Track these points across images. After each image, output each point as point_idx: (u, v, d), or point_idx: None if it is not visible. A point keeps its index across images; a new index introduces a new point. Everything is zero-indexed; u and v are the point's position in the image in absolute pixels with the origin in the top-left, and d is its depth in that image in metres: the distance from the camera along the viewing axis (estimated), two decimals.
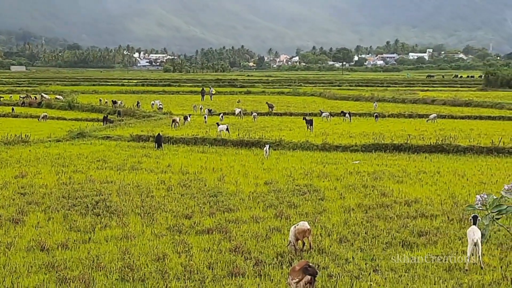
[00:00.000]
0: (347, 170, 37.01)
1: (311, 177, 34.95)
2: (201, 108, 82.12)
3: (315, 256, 20.77)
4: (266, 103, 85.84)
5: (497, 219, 4.00)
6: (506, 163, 39.37)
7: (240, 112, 76.24)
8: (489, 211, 4.00)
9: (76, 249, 21.73)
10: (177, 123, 63.89)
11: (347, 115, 70.21)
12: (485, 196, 4.03)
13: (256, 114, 72.26)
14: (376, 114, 73.03)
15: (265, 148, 43.21)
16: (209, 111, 79.97)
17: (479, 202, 4.16)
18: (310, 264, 16.67)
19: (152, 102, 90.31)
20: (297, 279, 16.29)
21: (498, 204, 3.81)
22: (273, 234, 23.23)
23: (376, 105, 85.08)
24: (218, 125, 57.76)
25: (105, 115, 50.35)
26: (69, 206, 27.92)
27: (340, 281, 18.41)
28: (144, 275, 18.98)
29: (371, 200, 28.85)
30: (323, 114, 73.00)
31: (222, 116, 68.78)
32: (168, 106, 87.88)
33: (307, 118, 63.46)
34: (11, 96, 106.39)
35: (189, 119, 66.05)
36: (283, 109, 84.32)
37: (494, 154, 42.67)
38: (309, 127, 59.95)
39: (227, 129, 54.38)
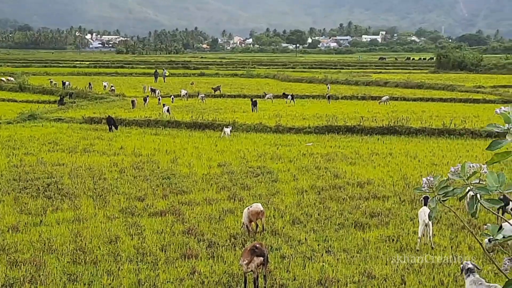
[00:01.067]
0: (300, 152, 37.15)
1: (265, 159, 35.04)
2: (154, 90, 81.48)
3: (268, 237, 20.90)
4: (212, 88, 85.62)
5: (444, 200, 4.03)
6: (457, 145, 39.84)
7: (186, 93, 76.08)
8: (436, 193, 4.03)
9: (27, 232, 21.57)
10: (135, 104, 64.01)
11: (289, 97, 70.41)
12: (431, 178, 4.04)
13: (203, 95, 72.15)
14: (328, 95, 73.18)
15: (225, 130, 43.54)
16: (153, 91, 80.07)
17: (426, 185, 4.17)
18: (258, 245, 16.74)
19: (104, 83, 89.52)
20: (246, 261, 16.37)
21: (444, 186, 3.83)
22: (226, 216, 23.30)
23: (329, 87, 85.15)
24: (164, 106, 57.89)
25: (62, 95, 49.42)
26: (20, 188, 27.70)
27: (293, 262, 18.57)
28: (96, 257, 18.92)
29: (324, 181, 29.00)
30: (267, 95, 73.40)
31: (173, 98, 68.37)
32: (121, 88, 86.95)
33: (253, 100, 64.51)
34: None
35: (148, 100, 65.47)
36: (236, 91, 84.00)
37: (445, 135, 43.12)
38: (254, 108, 61.02)
39: (167, 111, 54.80)
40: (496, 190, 3.32)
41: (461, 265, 15.37)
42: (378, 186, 28.01)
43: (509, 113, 3.32)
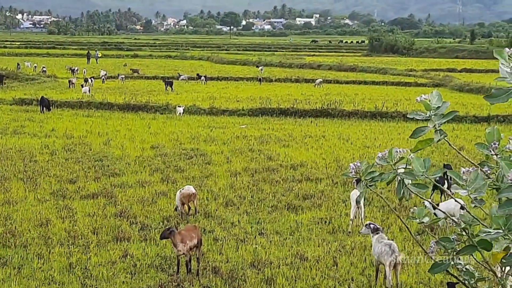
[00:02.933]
0: (234, 134, 37.28)
1: (198, 141, 35.06)
2: (84, 72, 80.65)
3: (201, 220, 20.97)
4: (130, 69, 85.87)
5: (371, 185, 4.08)
6: (389, 127, 40.42)
7: (105, 74, 75.36)
8: (363, 178, 4.08)
9: None
10: (73, 85, 63.79)
11: (202, 77, 71.60)
12: (358, 164, 4.09)
13: (123, 77, 72.45)
14: (260, 78, 73.88)
15: (178, 108, 44.49)
16: (72, 70, 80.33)
17: (353, 170, 4.21)
18: (171, 227, 16.82)
19: (27, 63, 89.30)
20: (180, 244, 16.40)
21: (370, 171, 3.87)
22: (159, 199, 23.33)
23: (262, 69, 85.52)
24: (83, 86, 58.31)
25: (43, 98, 48.13)
26: None
27: (226, 244, 18.67)
28: (27, 240, 18.77)
29: (257, 164, 29.18)
30: (181, 76, 74.13)
31: (91, 80, 67.77)
32: (53, 69, 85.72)
33: (167, 80, 66.70)
34: None
35: (90, 81, 65.11)
36: (170, 73, 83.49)
37: (377, 118, 43.73)
38: (168, 87, 63.20)
39: (89, 91, 55.85)
40: (422, 175, 3.38)
41: (367, 225, 16.71)
42: (311, 168, 28.26)
43: (429, 100, 3.38)
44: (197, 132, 38.15)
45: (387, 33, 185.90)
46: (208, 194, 24.05)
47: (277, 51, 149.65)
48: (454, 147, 3.51)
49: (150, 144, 33.95)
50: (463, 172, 3.17)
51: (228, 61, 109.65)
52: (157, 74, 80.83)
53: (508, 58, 3.00)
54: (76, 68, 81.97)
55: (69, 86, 62.70)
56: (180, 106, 44.27)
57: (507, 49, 3.09)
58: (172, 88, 63.37)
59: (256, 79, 74.71)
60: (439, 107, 3.32)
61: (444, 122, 3.34)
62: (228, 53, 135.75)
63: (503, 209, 2.90)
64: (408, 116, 3.66)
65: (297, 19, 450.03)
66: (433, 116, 3.32)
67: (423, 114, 3.36)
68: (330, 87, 66.02)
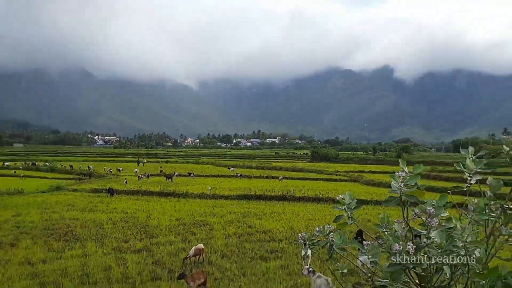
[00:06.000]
0: (227, 211, 37.02)
1: (205, 215, 34.80)
2: (135, 171, 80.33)
3: (206, 266, 20.74)
4: (160, 171, 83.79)
5: (312, 248, 4.06)
6: (324, 207, 40.30)
7: (136, 171, 77.91)
8: (307, 243, 4.07)
9: (51, 263, 21.06)
10: (140, 177, 65.66)
11: (192, 174, 72.10)
12: (304, 234, 4.10)
13: (148, 174, 71.24)
14: (240, 174, 75.13)
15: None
16: (118, 170, 79.46)
17: (301, 238, 4.22)
18: (184, 272, 17.09)
19: (90, 167, 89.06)
20: (191, 283, 16.41)
21: (311, 239, 3.89)
22: (180, 252, 23.00)
23: (233, 169, 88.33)
24: (139, 178, 61.52)
25: (110, 188, 46.54)
26: (48, 234, 27.18)
27: (222, 282, 18.47)
28: (96, 280, 18.54)
29: (242, 230, 28.95)
30: (176, 174, 72.84)
31: (148, 175, 67.67)
32: (115, 170, 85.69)
33: (166, 174, 70.52)
34: (15, 163, 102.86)
35: (148, 176, 67.02)
36: (185, 172, 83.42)
37: (317, 201, 43.69)
38: (168, 180, 64.46)
39: (139, 179, 58.66)
40: (340, 245, 3.43)
41: (305, 269, 16.59)
42: (275, 233, 28.05)
43: (343, 199, 3.47)
44: (205, 209, 37.86)
45: (322, 148, 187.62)
46: (211, 249, 23.79)
47: (254, 158, 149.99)
48: (359, 227, 3.58)
49: (175, 217, 33.64)
50: (366, 244, 3.24)
51: (224, 165, 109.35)
52: (177, 172, 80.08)
53: (398, 178, 3.11)
54: (120, 169, 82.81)
55: (139, 179, 62.15)
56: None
57: (397, 173, 3.19)
58: (171, 180, 64.46)
59: (237, 176, 75.15)
60: (350, 203, 3.43)
61: (355, 210, 3.43)
62: (224, 160, 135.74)
63: (390, 268, 2.97)
64: (333, 208, 3.74)
65: (267, 139, 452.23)
66: (346, 208, 3.42)
67: (340, 207, 3.46)
68: (287, 182, 65.97)
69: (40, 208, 37.89)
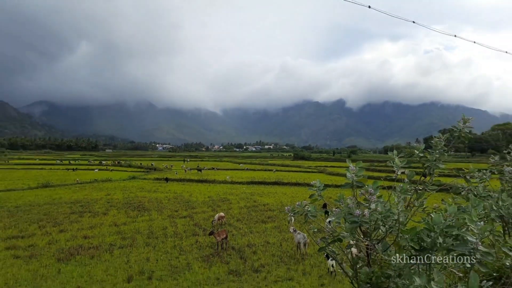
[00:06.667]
0: (240, 192, 36.73)
1: (226, 194, 34.58)
2: (182, 167, 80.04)
3: (227, 226, 20.56)
4: (197, 167, 78.36)
5: (294, 215, 4.01)
6: (302, 189, 39.90)
7: (184, 167, 75.53)
8: (291, 212, 4.04)
9: (129, 225, 20.87)
10: (186, 170, 64.79)
11: (201, 170, 65.79)
12: (289, 207, 4.06)
13: (188, 168, 70.70)
14: (242, 168, 73.24)
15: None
16: (166, 167, 77.71)
17: (287, 209, 4.18)
18: (212, 230, 16.86)
19: (171, 165, 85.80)
20: (218, 237, 16.24)
21: (294, 210, 3.83)
22: (210, 218, 22.80)
23: (242, 165, 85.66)
24: (185, 171, 58.66)
25: (166, 177, 46.30)
26: (127, 207, 26.93)
27: (237, 237, 18.27)
28: (157, 235, 18.38)
29: (249, 203, 28.72)
30: (204, 168, 71.12)
31: (185, 169, 67.18)
32: (169, 165, 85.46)
33: (198, 168, 68.01)
34: (101, 162, 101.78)
35: (186, 171, 64.69)
36: (219, 168, 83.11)
37: (297, 185, 43.31)
38: (199, 172, 62.43)
39: (185, 172, 56.06)
40: (312, 213, 3.39)
41: (291, 229, 16.40)
42: (271, 205, 27.85)
43: (316, 184, 3.44)
44: (225, 191, 37.59)
45: (300, 151, 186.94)
46: (230, 216, 23.66)
47: (257, 158, 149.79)
48: (325, 201, 3.55)
49: (207, 196, 33.43)
50: (333, 210, 3.21)
51: (238, 162, 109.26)
52: (203, 166, 79.88)
53: (351, 171, 3.11)
54: (171, 165, 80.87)
55: (175, 173, 61.47)
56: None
57: (350, 167, 3.17)
58: (201, 171, 62.80)
59: (244, 170, 74.31)
60: (319, 186, 3.41)
61: (323, 191, 3.41)
62: (238, 160, 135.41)
63: (349, 225, 2.96)
64: (308, 189, 3.70)
65: (265, 146, 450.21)
66: (317, 189, 3.40)
67: (313, 189, 3.43)
68: (279, 173, 65.56)
69: (122, 190, 37.80)
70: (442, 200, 3.67)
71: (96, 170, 69.02)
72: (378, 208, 2.83)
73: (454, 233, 2.64)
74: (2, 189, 37.89)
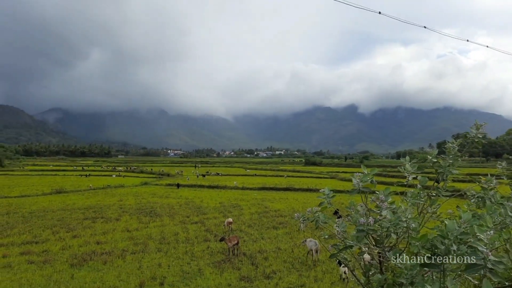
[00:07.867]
0: (251, 197, 36.72)
1: (237, 200, 34.53)
2: (193, 172, 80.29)
3: (238, 232, 20.51)
4: (206, 172, 79.38)
5: (305, 221, 3.98)
6: (314, 195, 39.69)
7: (194, 172, 76.14)
8: (302, 219, 4.01)
9: (141, 230, 20.97)
10: (197, 175, 64.91)
11: (219, 174, 67.75)
12: (299, 214, 4.02)
13: (199, 174, 70.81)
14: (249, 173, 73.12)
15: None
16: (177, 173, 77.94)
17: (296, 216, 4.14)
18: (223, 236, 16.93)
19: (177, 171, 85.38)
20: (229, 242, 16.20)
21: (303, 217, 3.79)
22: (222, 223, 22.81)
23: (248, 170, 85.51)
24: (197, 176, 57.72)
25: (178, 183, 47.05)
26: (139, 212, 27.10)
27: (248, 243, 18.21)
28: (170, 241, 18.42)
29: (261, 209, 28.68)
30: (207, 173, 71.60)
31: (198, 175, 67.58)
32: (182, 171, 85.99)
33: (203, 174, 67.20)
34: (114, 168, 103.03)
35: (199, 176, 65.20)
36: (226, 173, 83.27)
37: (309, 191, 42.89)
38: (201, 176, 62.32)
39: (197, 177, 55.66)
40: (323, 220, 3.38)
41: (304, 240, 16.27)
42: (283, 211, 27.77)
43: (323, 192, 3.42)
44: (237, 196, 37.58)
45: (311, 157, 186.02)
46: (240, 221, 23.62)
47: (268, 163, 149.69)
48: (335, 208, 3.53)
49: (218, 201, 33.48)
50: (338, 220, 3.19)
51: (248, 168, 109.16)
52: (228, 173, 79.49)
53: (357, 177, 3.09)
54: (181, 171, 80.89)
55: (187, 179, 61.56)
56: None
57: (355, 173, 3.16)
58: (204, 176, 63.19)
59: (253, 175, 74.16)
60: (328, 194, 3.39)
61: (332, 198, 3.39)
62: (249, 166, 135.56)
63: (356, 234, 2.93)
64: (317, 198, 3.69)
65: (276, 151, 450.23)
66: (326, 197, 3.38)
67: (321, 197, 3.41)
68: (290, 179, 65.38)
69: (134, 195, 38.09)
70: (457, 206, 3.61)
71: (114, 175, 70.93)
72: (388, 216, 2.80)
73: (468, 240, 2.60)
74: (17, 195, 38.57)
